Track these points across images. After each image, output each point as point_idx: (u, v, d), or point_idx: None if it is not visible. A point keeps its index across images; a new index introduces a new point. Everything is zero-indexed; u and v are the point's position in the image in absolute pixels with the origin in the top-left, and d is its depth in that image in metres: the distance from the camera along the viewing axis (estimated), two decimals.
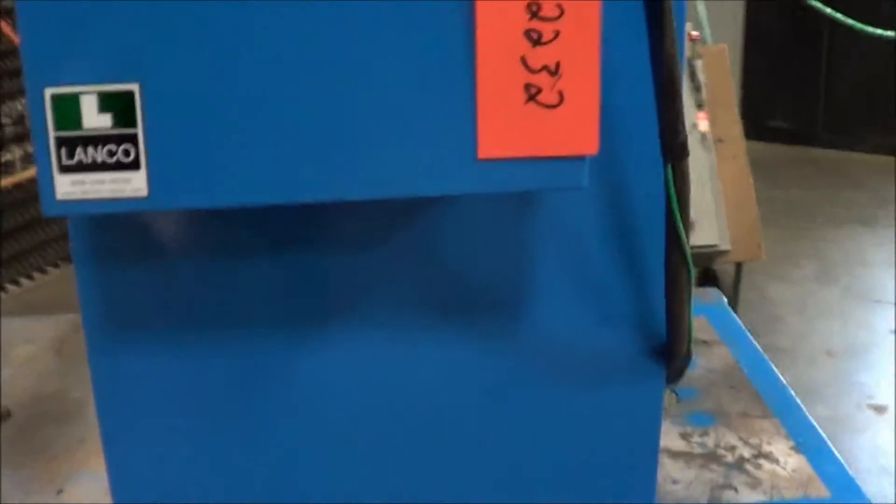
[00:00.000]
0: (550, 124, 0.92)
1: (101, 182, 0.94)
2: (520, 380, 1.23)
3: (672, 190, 1.04)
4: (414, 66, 0.91)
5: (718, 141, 3.70)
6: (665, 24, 0.97)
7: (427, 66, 0.91)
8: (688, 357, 1.19)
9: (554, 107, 0.91)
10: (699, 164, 3.46)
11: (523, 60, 0.90)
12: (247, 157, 0.93)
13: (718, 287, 3.93)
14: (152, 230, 1.15)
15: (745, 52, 6.96)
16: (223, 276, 1.17)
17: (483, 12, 0.89)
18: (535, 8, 0.89)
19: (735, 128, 3.78)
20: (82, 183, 0.94)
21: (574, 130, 0.92)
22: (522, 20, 0.89)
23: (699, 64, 3.53)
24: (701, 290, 2.02)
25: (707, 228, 3.42)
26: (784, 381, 1.71)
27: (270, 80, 0.91)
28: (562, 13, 0.89)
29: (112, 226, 1.13)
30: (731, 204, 3.58)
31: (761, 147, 6.35)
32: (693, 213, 3.26)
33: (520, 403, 1.24)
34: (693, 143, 3.52)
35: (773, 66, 7.04)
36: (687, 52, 3.59)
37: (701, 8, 3.79)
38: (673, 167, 1.03)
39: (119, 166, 0.93)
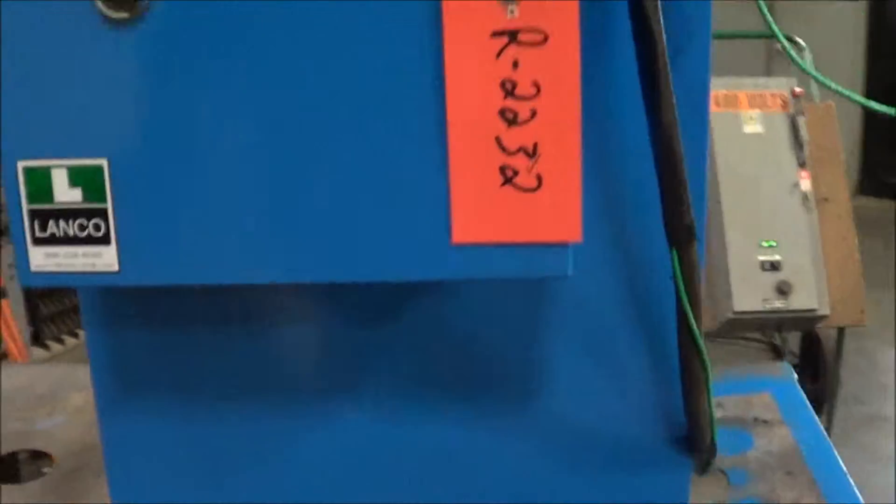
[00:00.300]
0: (529, 209, 0.86)
1: (74, 255, 0.92)
2: (534, 465, 1.16)
3: (679, 278, 0.96)
4: (384, 146, 0.87)
5: (823, 200, 3.53)
6: (662, 93, 0.89)
7: (398, 146, 0.86)
8: (712, 449, 1.10)
9: (532, 191, 0.85)
10: (798, 224, 3.31)
11: (498, 141, 0.85)
12: (217, 236, 0.90)
13: (821, 353, 3.74)
14: (160, 297, 1.13)
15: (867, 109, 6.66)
16: (229, 345, 1.14)
17: (454, 90, 0.84)
18: (509, 86, 0.84)
19: (841, 187, 3.60)
20: (55, 256, 0.93)
21: (554, 216, 0.86)
22: (497, 98, 0.84)
23: (802, 121, 3.38)
24: (770, 362, 1.91)
25: (805, 292, 3.26)
26: (845, 470, 1.58)
27: (241, 160, 0.89)
28: (538, 91, 0.84)
29: (120, 291, 1.12)
30: (833, 266, 3.40)
31: (879, 204, 6.06)
32: (790, 275, 3.10)
33: (535, 489, 1.17)
34: (793, 203, 3.37)
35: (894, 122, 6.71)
36: (790, 109, 3.45)
37: (808, 63, 3.65)
38: (679, 253, 0.95)
39: (90, 240, 0.92)
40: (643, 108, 0.94)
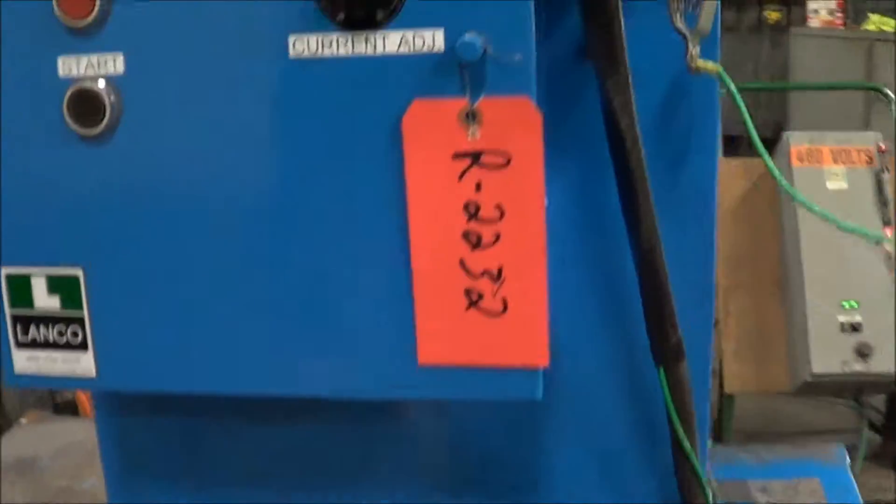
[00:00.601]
0: (495, 333, 0.83)
1: (54, 360, 0.94)
2: None
3: (669, 398, 0.92)
4: (348, 268, 0.85)
5: None
6: (640, 212, 0.85)
7: (362, 269, 0.85)
8: None
9: (497, 315, 0.83)
10: (882, 283, 3.16)
11: (462, 264, 0.82)
12: (191, 346, 0.90)
13: None
14: None
15: None
16: (234, 434, 1.14)
17: (417, 212, 0.82)
18: (473, 208, 0.81)
19: None
20: (37, 359, 0.94)
21: (521, 341, 0.83)
22: (460, 221, 0.82)
23: (887, 177, 3.24)
24: (822, 446, 1.82)
25: (887, 354, 3.10)
26: None
27: (211, 274, 0.88)
28: (502, 215, 0.81)
29: None
30: None
31: None
32: (872, 337, 2.97)
33: None
34: (877, 262, 3.23)
35: None
36: (876, 164, 3.32)
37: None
38: (667, 372, 0.91)
39: (69, 346, 0.93)
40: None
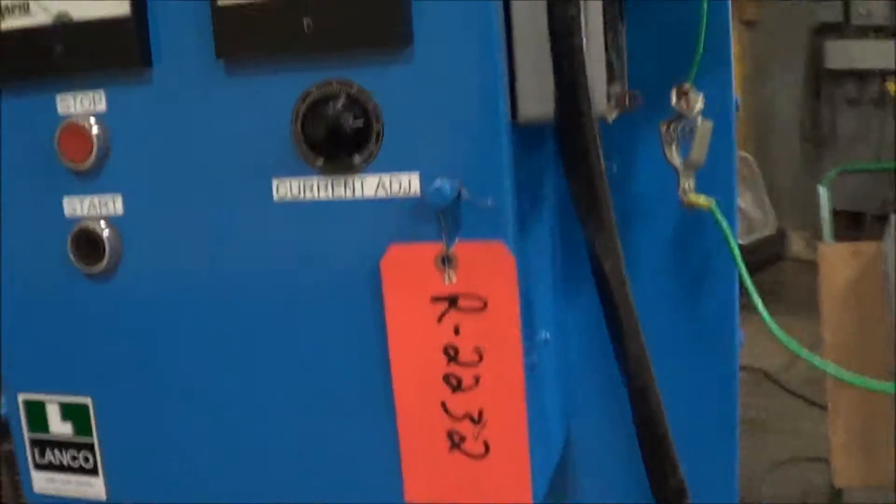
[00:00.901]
0: (478, 474, 0.82)
1: (69, 483, 0.97)
2: None
3: None
4: (336, 408, 0.86)
5: None
6: (623, 328, 0.81)
7: (349, 410, 0.86)
8: None
9: (480, 457, 0.82)
10: None
11: (444, 406, 0.82)
12: (194, 468, 0.93)
13: None
14: None
15: None
16: None
17: (398, 355, 0.82)
18: (452, 351, 0.81)
19: None
20: (53, 481, 0.98)
21: (505, 482, 0.82)
22: (440, 364, 0.81)
23: None
24: None
25: None
26: None
27: (209, 403, 0.90)
28: (481, 358, 0.80)
29: None
30: None
31: None
32: None
33: None
34: None
35: None
36: None
37: None
38: None
39: (82, 470, 0.96)
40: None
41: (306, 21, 0.79)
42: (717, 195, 0.90)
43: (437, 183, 0.77)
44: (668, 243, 0.97)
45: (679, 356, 0.98)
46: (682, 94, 0.83)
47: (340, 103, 0.79)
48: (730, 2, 0.94)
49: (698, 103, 0.84)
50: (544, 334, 0.91)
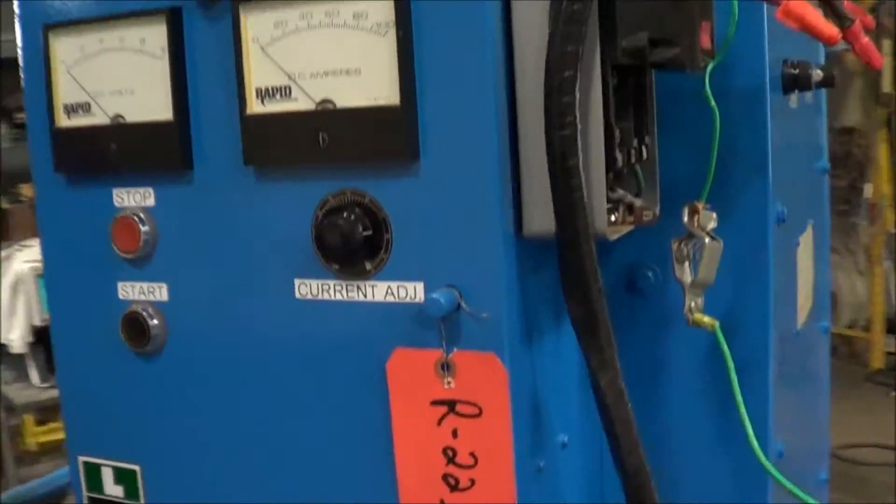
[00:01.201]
0: None
1: None
2: None
3: None
4: (346, 487, 0.90)
5: None
6: (620, 443, 0.81)
7: (357, 493, 0.90)
8: None
9: None
10: None
11: None
12: None
13: None
14: None
15: None
16: None
17: (402, 453, 0.86)
18: (451, 453, 0.84)
19: None
20: None
21: None
22: (440, 464, 0.84)
23: None
24: None
25: None
26: None
27: (241, 477, 0.96)
28: (476, 462, 0.83)
29: None
30: None
31: None
32: None
33: None
34: None
35: None
36: None
37: None
38: None
39: None
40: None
41: (322, 135, 0.84)
42: (748, 315, 0.90)
43: (435, 293, 0.80)
44: (704, 350, 0.97)
45: (715, 458, 0.98)
46: (694, 213, 0.84)
47: (353, 214, 0.83)
48: (769, 110, 0.93)
49: (710, 222, 0.83)
50: (562, 438, 0.93)
